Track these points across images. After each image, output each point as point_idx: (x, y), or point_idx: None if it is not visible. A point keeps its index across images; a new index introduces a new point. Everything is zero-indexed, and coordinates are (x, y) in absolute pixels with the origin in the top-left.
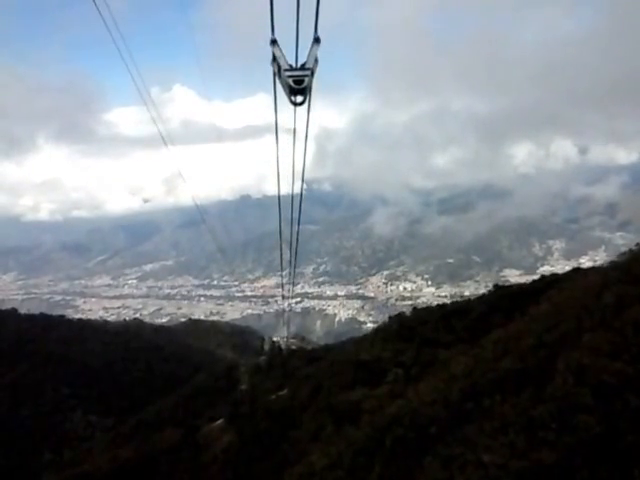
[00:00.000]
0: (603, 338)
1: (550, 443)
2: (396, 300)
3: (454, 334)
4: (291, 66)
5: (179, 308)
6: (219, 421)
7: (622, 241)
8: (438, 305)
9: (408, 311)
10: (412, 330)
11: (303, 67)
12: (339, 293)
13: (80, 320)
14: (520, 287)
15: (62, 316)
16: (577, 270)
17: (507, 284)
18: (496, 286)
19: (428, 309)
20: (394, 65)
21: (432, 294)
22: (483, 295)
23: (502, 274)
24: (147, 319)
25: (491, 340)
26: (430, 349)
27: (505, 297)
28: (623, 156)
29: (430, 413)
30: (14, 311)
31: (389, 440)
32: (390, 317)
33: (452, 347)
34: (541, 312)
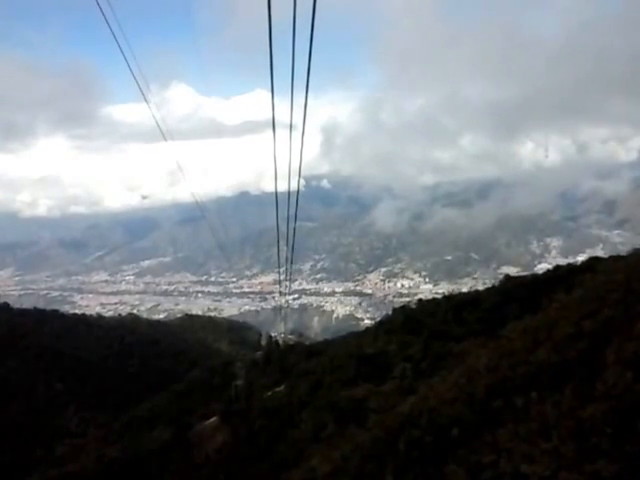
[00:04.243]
0: None
1: (606, 452)
2: (394, 297)
3: (466, 326)
4: None
5: (176, 304)
6: (212, 419)
7: (620, 239)
8: (445, 296)
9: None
10: (419, 322)
11: None
12: (337, 290)
13: (74, 315)
14: (534, 277)
15: (56, 311)
16: (596, 259)
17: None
18: (507, 277)
19: (435, 301)
20: (406, 50)
21: (430, 291)
22: (493, 286)
23: (500, 271)
24: (144, 315)
25: (517, 330)
26: (440, 342)
27: (520, 287)
28: (624, 154)
29: (451, 413)
30: (6, 305)
31: (403, 443)
32: (394, 309)
33: (464, 340)
34: (575, 299)
